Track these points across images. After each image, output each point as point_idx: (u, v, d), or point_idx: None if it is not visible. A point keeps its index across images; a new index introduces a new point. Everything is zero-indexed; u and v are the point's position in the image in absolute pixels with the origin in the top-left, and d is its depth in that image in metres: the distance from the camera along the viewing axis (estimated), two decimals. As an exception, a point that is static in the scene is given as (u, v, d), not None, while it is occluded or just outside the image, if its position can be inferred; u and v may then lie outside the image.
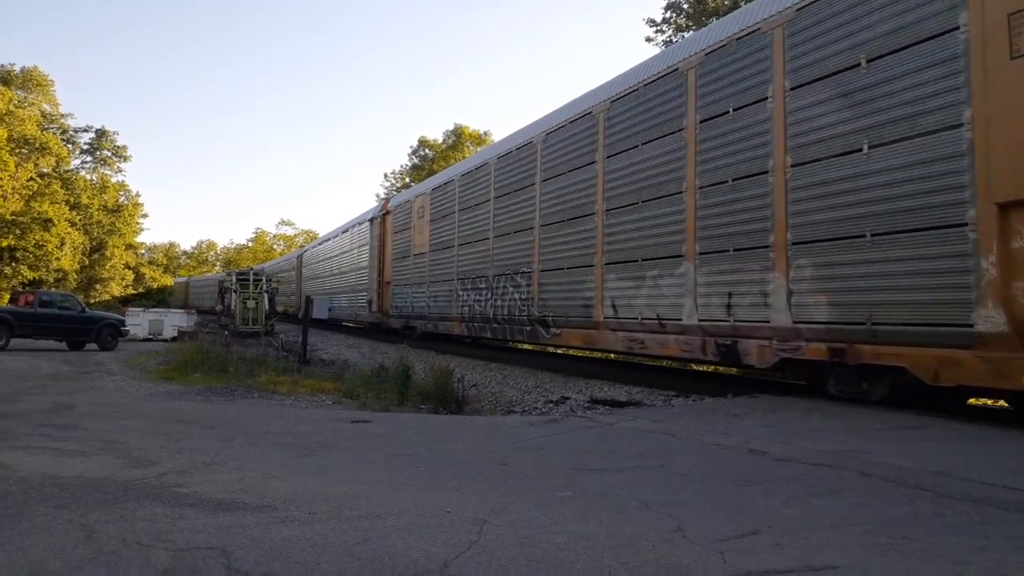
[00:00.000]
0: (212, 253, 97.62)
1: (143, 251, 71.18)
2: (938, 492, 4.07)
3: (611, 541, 3.36)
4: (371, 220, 24.89)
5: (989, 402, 8.51)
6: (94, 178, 55.05)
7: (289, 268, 44.19)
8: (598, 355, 16.19)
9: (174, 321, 27.48)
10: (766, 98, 8.28)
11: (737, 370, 12.08)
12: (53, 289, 35.79)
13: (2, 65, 48.87)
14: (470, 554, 3.19)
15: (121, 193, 57.68)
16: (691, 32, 22.16)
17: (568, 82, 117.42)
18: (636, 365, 13.24)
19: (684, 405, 8.67)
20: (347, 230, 29.56)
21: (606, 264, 11.13)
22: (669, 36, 25.29)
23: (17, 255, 42.03)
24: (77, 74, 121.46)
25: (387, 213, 23.54)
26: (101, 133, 54.53)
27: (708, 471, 4.91)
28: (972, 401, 8.04)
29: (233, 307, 24.03)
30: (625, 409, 8.71)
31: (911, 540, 3.29)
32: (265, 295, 24.60)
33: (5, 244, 40.77)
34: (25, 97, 47.58)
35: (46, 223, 43.22)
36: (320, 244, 36.89)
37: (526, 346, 17.74)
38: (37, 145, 44.12)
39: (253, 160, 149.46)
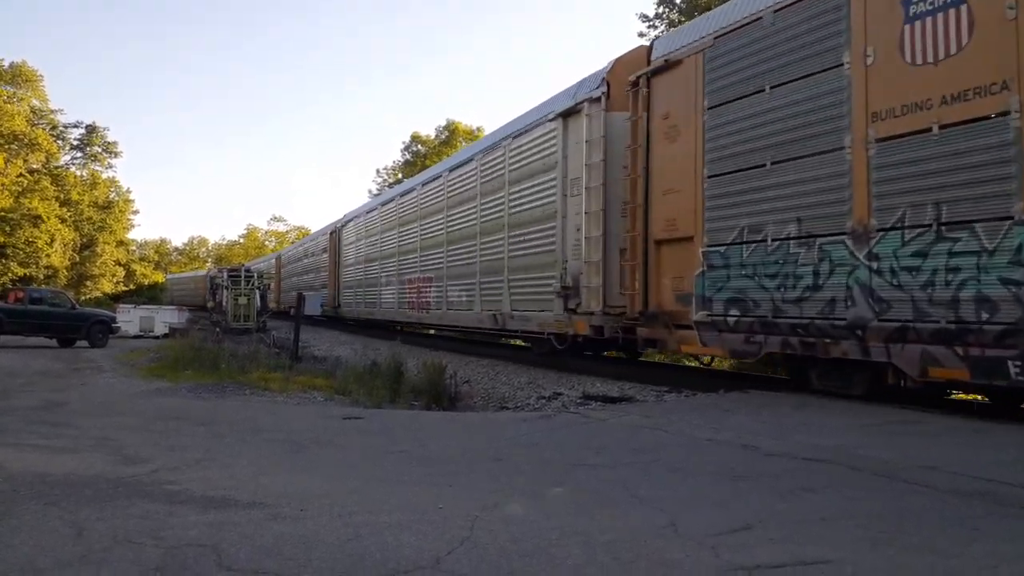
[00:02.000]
0: (204, 249, 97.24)
1: (134, 248, 70.71)
2: (928, 486, 4.10)
3: (604, 536, 3.36)
4: (566, 115, 11.55)
5: (979, 397, 8.57)
6: (84, 174, 54.60)
7: (318, 251, 32.16)
8: (589, 351, 15.01)
9: (165, 318, 27.39)
10: None
11: (730, 364, 12.11)
12: (43, 286, 35.53)
13: (-9, 60, 48.44)
14: (462, 550, 3.19)
15: (112, 189, 57.25)
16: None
17: (565, 79, 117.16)
18: (628, 361, 13.22)
19: (676, 400, 8.69)
20: (465, 162, 16.39)
21: None
22: (662, 31, 25.29)
23: (7, 252, 41.74)
24: (67, 69, 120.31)
25: (661, 70, 9.61)
26: (91, 129, 54.02)
27: (700, 466, 4.93)
28: (960, 396, 8.10)
29: (225, 304, 24.02)
30: (618, 405, 8.72)
31: (902, 533, 3.31)
32: (256, 292, 24.59)
33: (-5, 241, 40.57)
34: (14, 92, 47.04)
35: (36, 219, 42.92)
36: (378, 207, 23.48)
37: (518, 341, 13.92)
38: (26, 141, 43.70)
39: (245, 157, 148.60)
